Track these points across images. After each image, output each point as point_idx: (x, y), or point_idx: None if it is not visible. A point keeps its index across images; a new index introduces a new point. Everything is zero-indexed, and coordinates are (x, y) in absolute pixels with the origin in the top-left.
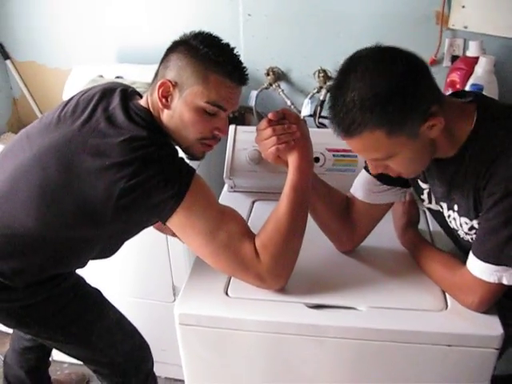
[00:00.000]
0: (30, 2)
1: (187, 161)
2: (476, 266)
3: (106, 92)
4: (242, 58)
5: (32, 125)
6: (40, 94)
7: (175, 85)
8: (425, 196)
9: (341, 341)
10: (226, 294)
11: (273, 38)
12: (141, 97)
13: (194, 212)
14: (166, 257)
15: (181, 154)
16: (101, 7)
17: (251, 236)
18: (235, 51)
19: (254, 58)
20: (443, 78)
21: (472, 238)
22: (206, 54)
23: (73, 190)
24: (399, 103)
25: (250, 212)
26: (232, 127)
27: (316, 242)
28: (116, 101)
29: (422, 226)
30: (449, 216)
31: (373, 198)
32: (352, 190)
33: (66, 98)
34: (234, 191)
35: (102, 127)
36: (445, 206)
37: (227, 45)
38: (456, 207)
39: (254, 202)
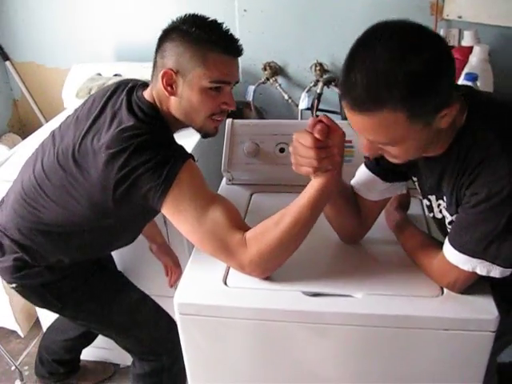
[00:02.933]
0: (27, 4)
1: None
2: (452, 255)
3: (117, 88)
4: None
5: (58, 124)
6: (40, 93)
7: (177, 72)
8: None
9: (337, 327)
10: (225, 283)
11: (269, 33)
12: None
13: (182, 200)
14: None
15: (181, 141)
16: (98, 7)
17: (238, 225)
18: (224, 26)
19: (250, 53)
20: None
21: None
22: (199, 36)
23: (84, 183)
24: (429, 85)
25: (248, 204)
26: (229, 121)
27: (312, 232)
28: (122, 97)
29: (418, 211)
30: (439, 205)
31: (377, 195)
32: (356, 188)
33: (65, 96)
34: (232, 184)
35: (107, 124)
36: (433, 198)
37: (215, 21)
38: (445, 198)
39: (251, 195)
